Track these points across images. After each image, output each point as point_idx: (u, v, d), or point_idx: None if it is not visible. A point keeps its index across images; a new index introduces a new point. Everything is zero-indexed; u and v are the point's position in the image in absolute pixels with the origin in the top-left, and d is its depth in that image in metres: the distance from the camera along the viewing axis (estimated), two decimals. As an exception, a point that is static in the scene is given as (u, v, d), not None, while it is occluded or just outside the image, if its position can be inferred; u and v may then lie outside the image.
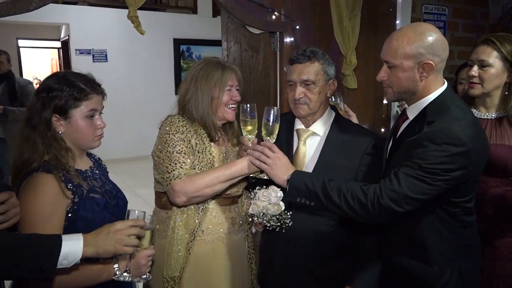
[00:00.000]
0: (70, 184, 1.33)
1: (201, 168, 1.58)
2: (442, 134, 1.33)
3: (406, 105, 1.56)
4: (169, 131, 1.58)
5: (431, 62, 1.39)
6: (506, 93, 1.76)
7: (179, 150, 1.56)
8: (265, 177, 1.55)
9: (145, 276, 1.36)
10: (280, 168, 1.47)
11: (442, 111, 1.40)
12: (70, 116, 1.36)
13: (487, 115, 1.80)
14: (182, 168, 1.54)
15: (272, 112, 1.52)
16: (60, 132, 1.38)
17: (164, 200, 1.66)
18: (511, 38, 1.72)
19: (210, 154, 1.61)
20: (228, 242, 1.68)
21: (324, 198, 1.39)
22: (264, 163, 1.48)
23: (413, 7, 2.79)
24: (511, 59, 1.71)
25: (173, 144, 1.56)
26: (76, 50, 7.19)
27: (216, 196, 1.64)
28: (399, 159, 1.45)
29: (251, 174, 1.57)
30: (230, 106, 1.65)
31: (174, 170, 1.54)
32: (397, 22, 2.73)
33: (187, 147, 1.58)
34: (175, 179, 1.52)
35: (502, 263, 1.78)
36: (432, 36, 1.39)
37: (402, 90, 1.46)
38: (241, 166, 1.55)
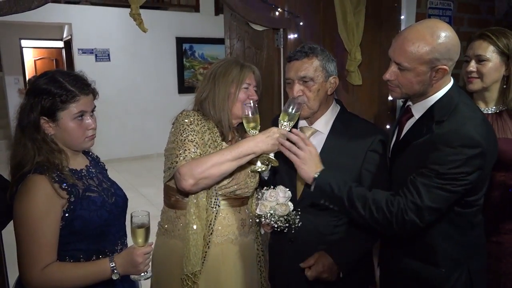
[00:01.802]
0: (64, 184, 1.32)
1: None
2: (456, 136, 1.29)
3: (410, 102, 1.53)
4: (183, 122, 1.57)
5: (445, 67, 1.35)
6: (504, 86, 1.77)
7: (192, 139, 1.54)
8: (263, 168, 1.53)
9: (143, 274, 1.35)
10: (310, 163, 1.42)
11: (450, 109, 1.37)
12: (58, 118, 1.34)
13: (486, 110, 1.80)
14: (191, 154, 1.51)
15: (294, 102, 1.51)
16: (50, 134, 1.36)
17: (174, 199, 1.63)
18: (505, 32, 1.74)
19: None
20: (237, 244, 1.65)
21: (349, 205, 1.37)
22: (295, 154, 1.43)
23: (418, 2, 2.75)
24: (508, 52, 1.72)
25: (186, 133, 1.54)
26: (78, 49, 7.21)
27: (226, 196, 1.61)
28: (407, 161, 1.43)
29: (260, 154, 1.51)
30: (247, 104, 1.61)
31: (182, 153, 1.51)
32: (402, 17, 2.70)
33: (200, 139, 1.55)
34: (181, 161, 1.49)
35: (508, 260, 1.78)
36: (449, 40, 1.33)
37: (412, 92, 1.43)
38: (249, 144, 1.49)
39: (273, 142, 1.48)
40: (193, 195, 1.56)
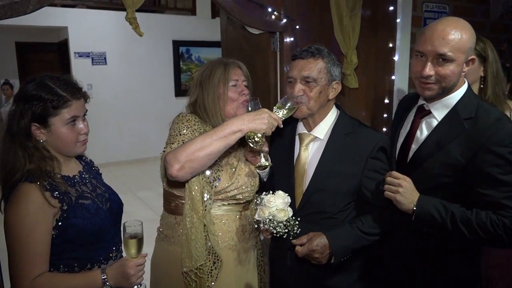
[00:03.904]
0: (56, 192, 1.28)
1: None
2: (506, 135, 1.33)
3: (423, 102, 1.53)
4: (179, 121, 1.57)
5: (474, 57, 1.43)
6: (481, 86, 1.93)
7: (184, 133, 1.52)
8: (267, 164, 1.54)
9: (136, 286, 1.32)
10: (407, 194, 1.40)
11: (474, 106, 1.41)
12: (50, 124, 1.30)
13: None
14: (179, 144, 1.48)
15: (293, 99, 1.51)
16: (41, 141, 1.32)
17: (173, 205, 1.62)
18: (480, 37, 1.87)
19: None
20: (237, 250, 1.63)
21: (453, 229, 1.38)
22: (396, 193, 1.41)
23: (414, 6, 2.77)
24: (484, 55, 1.92)
25: (179, 129, 1.53)
26: (75, 53, 7.20)
27: (226, 202, 1.59)
28: (448, 159, 1.41)
29: (247, 132, 1.44)
30: (242, 102, 1.60)
31: (170, 145, 1.49)
32: (398, 20, 2.71)
33: (194, 133, 1.53)
34: (168, 149, 1.47)
35: (495, 252, 1.88)
36: (473, 31, 1.41)
37: (449, 85, 1.43)
38: (236, 122, 1.42)
39: (262, 121, 1.42)
40: (187, 188, 1.52)
